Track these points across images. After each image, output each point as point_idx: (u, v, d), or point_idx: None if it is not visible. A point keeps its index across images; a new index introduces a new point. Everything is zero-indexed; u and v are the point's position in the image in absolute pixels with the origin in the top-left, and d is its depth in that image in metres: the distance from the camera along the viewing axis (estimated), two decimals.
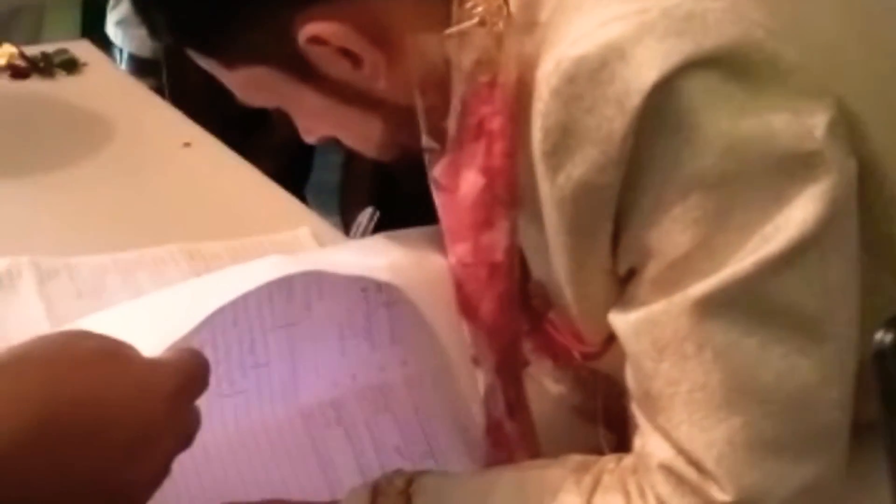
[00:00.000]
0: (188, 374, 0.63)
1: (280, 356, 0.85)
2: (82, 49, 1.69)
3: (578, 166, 0.66)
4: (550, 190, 0.69)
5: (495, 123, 0.72)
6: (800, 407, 0.67)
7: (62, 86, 1.59)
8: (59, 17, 2.14)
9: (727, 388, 0.66)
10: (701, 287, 0.66)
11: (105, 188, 1.32)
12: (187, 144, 1.43)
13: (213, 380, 0.82)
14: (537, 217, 0.72)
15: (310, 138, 0.86)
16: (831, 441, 0.68)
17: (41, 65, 1.62)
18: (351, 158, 1.80)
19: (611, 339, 0.72)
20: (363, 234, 0.95)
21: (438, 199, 0.78)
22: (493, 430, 0.83)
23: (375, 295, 0.86)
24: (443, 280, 0.80)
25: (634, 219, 0.67)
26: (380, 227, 1.54)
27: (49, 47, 1.66)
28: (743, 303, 0.66)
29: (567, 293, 0.74)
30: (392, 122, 0.79)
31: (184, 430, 0.63)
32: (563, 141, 0.67)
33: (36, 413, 0.56)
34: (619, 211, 0.67)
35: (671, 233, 0.66)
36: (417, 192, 0.81)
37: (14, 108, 1.53)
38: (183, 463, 0.74)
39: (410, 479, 0.77)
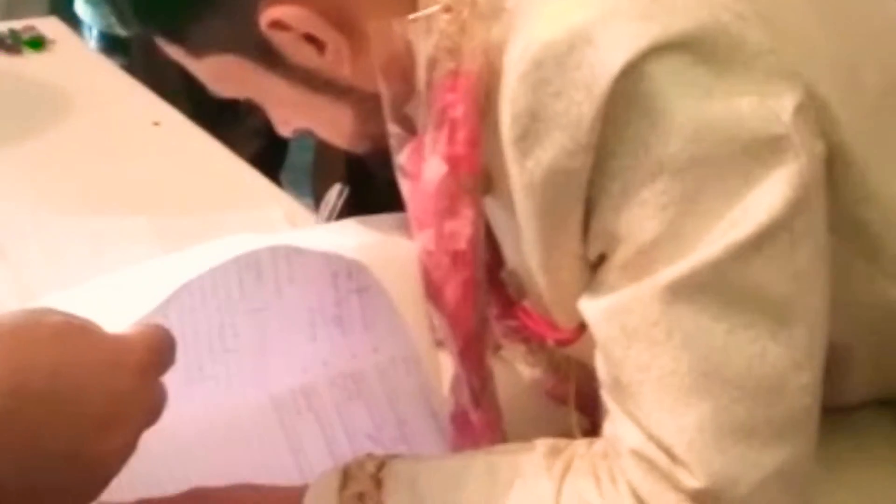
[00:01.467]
0: (154, 348, 0.64)
1: (250, 341, 0.84)
2: (50, 26, 1.67)
3: (547, 151, 0.66)
4: (520, 175, 0.68)
5: (458, 111, 0.71)
6: (770, 392, 0.66)
7: (29, 63, 1.57)
8: None
9: (697, 373, 0.66)
10: (669, 273, 0.65)
11: (72, 167, 1.30)
12: (156, 124, 1.42)
13: (182, 365, 0.81)
14: (509, 204, 0.71)
15: (284, 130, 0.86)
16: (802, 426, 0.68)
17: (8, 42, 1.60)
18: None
19: (583, 325, 0.72)
20: (332, 212, 0.94)
21: (403, 185, 0.78)
22: (459, 417, 0.83)
23: (346, 281, 0.85)
24: (411, 265, 0.79)
25: (604, 204, 0.67)
26: (353, 206, 1.54)
27: (17, 24, 1.64)
28: (712, 288, 0.65)
29: (539, 280, 0.73)
30: (362, 110, 0.78)
31: (151, 403, 0.64)
32: (531, 126, 0.66)
33: (4, 387, 0.56)
34: (588, 196, 0.67)
35: (639, 218, 0.66)
36: (389, 180, 0.80)
37: None
38: (151, 448, 0.73)
39: (382, 464, 0.77)
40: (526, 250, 0.73)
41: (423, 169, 0.75)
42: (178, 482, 0.80)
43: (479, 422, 0.82)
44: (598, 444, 0.72)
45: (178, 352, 0.66)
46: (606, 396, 0.71)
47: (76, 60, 1.61)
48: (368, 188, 1.67)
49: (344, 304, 0.86)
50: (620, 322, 0.67)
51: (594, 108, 0.64)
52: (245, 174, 1.33)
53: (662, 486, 0.67)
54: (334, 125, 0.81)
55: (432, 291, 0.79)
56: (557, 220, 0.69)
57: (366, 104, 0.77)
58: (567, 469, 0.72)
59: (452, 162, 0.73)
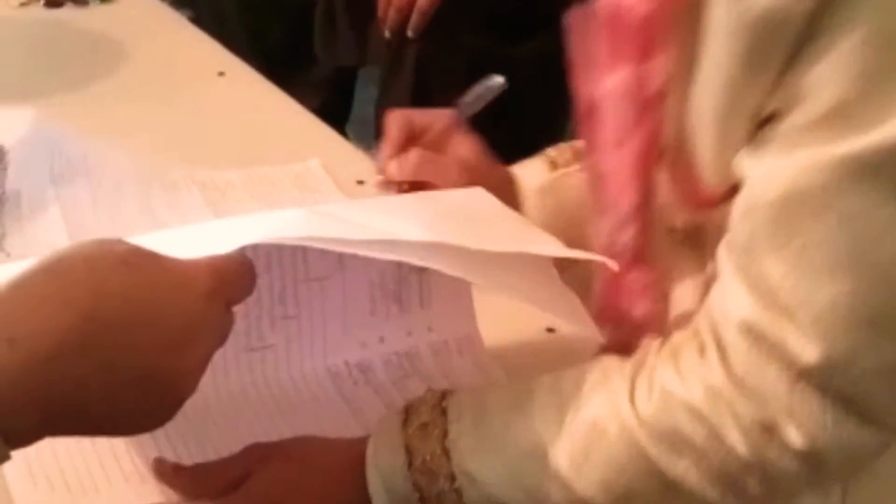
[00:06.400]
0: (223, 274, 0.64)
1: (310, 310, 0.83)
2: None
3: None
4: (727, 16, 0.65)
5: None
6: None
7: (96, 15, 1.57)
8: None
9: (846, 252, 0.64)
10: (849, 145, 0.63)
11: (138, 117, 1.29)
12: (222, 74, 1.41)
13: (241, 331, 0.80)
14: (685, 50, 0.68)
15: None
16: None
17: None
18: (386, 91, 1.77)
19: (730, 192, 0.69)
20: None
21: (594, 19, 0.74)
22: (609, 310, 0.80)
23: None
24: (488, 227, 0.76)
25: (805, 57, 0.64)
26: None
27: None
28: (889, 170, 0.63)
29: (705, 132, 0.70)
30: None
31: (220, 326, 0.64)
32: None
33: (81, 314, 0.58)
34: (794, 47, 0.64)
35: (838, 77, 0.63)
36: None
37: (48, 36, 1.51)
38: (212, 414, 0.73)
39: (444, 394, 0.76)
40: (700, 101, 0.69)
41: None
42: (240, 447, 0.79)
43: (637, 282, 0.79)
44: (679, 334, 0.70)
45: (238, 318, 0.66)
46: (726, 260, 0.69)
47: (142, 12, 1.60)
48: None
49: (404, 282, 0.85)
50: (781, 185, 0.65)
51: None
52: (311, 125, 1.32)
53: (765, 360, 0.66)
54: None
55: (611, 141, 0.75)
56: (755, 68, 0.65)
57: None
58: (640, 366, 0.71)
59: None
